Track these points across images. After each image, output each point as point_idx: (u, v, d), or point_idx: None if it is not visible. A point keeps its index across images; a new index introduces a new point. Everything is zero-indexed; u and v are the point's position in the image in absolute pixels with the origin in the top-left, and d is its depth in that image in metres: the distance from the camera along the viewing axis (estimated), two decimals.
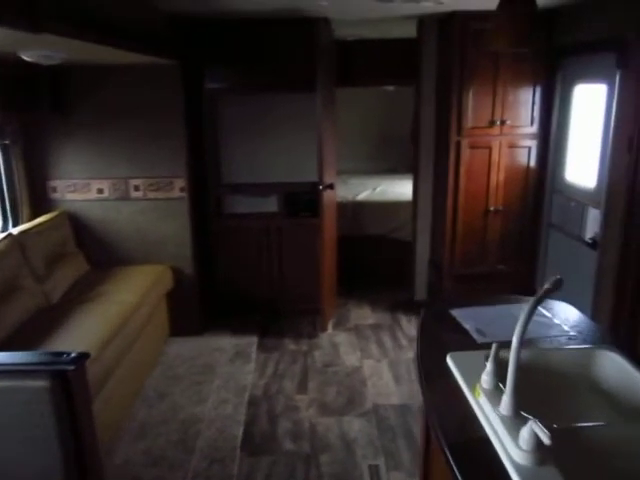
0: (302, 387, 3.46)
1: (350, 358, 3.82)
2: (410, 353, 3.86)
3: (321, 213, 3.88)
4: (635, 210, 2.92)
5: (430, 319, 1.93)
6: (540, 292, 1.29)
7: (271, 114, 4.15)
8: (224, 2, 3.14)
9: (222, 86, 4.03)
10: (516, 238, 4.19)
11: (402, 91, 6.22)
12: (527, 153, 4.04)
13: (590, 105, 3.53)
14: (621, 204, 3.03)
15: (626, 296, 3.03)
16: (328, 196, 4.00)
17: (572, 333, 1.84)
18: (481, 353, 1.64)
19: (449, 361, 1.61)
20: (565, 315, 2.05)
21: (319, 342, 4.07)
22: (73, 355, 1.90)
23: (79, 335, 2.80)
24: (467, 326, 1.86)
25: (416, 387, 3.41)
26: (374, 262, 5.16)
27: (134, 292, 3.40)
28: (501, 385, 1.37)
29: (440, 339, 1.79)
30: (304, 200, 4.25)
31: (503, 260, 4.23)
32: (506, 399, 1.28)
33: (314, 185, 4.07)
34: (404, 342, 4.04)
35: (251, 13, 3.57)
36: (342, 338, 4.13)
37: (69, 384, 1.86)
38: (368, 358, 3.82)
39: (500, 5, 2.03)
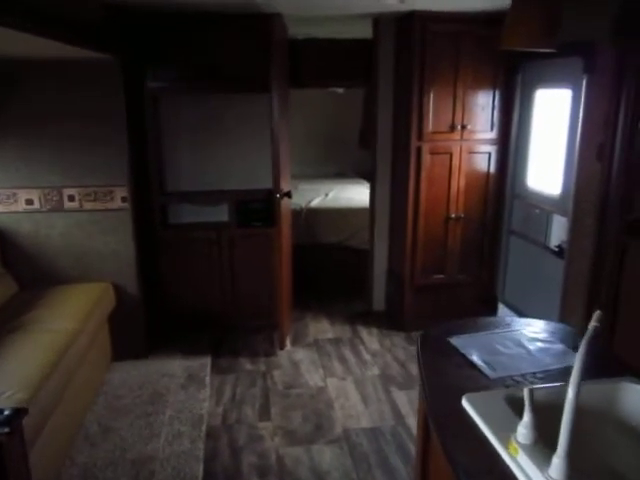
0: (264, 413, 3.19)
1: (313, 377, 3.58)
2: (375, 369, 3.67)
3: (278, 222, 3.61)
4: (607, 219, 2.87)
5: (430, 351, 1.73)
6: (590, 332, 1.11)
7: (221, 116, 3.85)
8: None
9: (166, 85, 3.68)
10: (477, 246, 4.11)
11: (351, 93, 6.06)
12: (487, 159, 3.96)
13: (553, 110, 3.47)
14: (592, 212, 2.97)
15: (600, 304, 2.97)
16: (284, 204, 3.74)
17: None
18: (500, 393, 1.46)
19: (466, 405, 1.41)
20: (563, 335, 1.90)
21: (278, 360, 3.80)
22: (6, 413, 1.55)
23: (8, 374, 2.40)
24: (474, 358, 1.67)
25: (385, 407, 3.23)
26: (329, 271, 4.96)
27: (72, 316, 3.00)
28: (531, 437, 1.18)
29: (447, 376, 1.59)
30: (257, 209, 3.97)
31: (464, 268, 4.14)
32: (558, 462, 1.08)
33: (268, 192, 3.81)
34: (367, 357, 3.85)
35: (198, 6, 3.26)
36: (302, 355, 3.88)
37: (1, 449, 1.52)
38: (332, 376, 3.59)
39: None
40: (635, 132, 2.63)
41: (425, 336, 1.81)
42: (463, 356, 1.69)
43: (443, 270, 4.12)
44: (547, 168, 3.56)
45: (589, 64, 2.97)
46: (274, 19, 3.39)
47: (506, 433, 1.26)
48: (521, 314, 3.80)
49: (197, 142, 3.85)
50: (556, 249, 3.43)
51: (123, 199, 3.45)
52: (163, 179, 3.88)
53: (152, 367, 3.67)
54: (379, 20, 3.97)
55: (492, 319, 2.07)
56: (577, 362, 1.08)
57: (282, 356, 3.86)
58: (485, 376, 1.58)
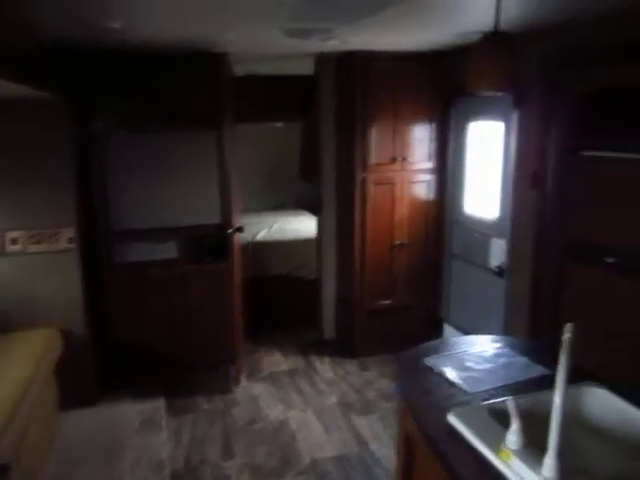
0: (228, 451, 3.14)
1: (273, 411, 3.56)
2: (332, 398, 3.71)
3: (231, 257, 3.62)
4: (544, 241, 3.11)
5: (408, 372, 1.81)
6: (565, 343, 1.23)
7: (170, 153, 3.83)
8: (114, 34, 2.83)
9: (113, 124, 3.62)
10: (422, 270, 4.29)
11: (290, 126, 6.20)
12: (427, 187, 4.18)
13: (488, 140, 3.74)
14: (530, 235, 3.21)
15: (540, 320, 3.19)
16: (235, 239, 3.76)
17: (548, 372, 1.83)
18: (482, 407, 1.56)
19: (453, 420, 1.49)
20: (523, 349, 2.04)
21: (235, 397, 3.75)
22: None
23: None
24: (450, 376, 1.76)
25: (347, 435, 3.27)
26: (280, 303, 4.97)
27: (20, 365, 2.85)
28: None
29: (429, 394, 1.67)
30: (208, 244, 3.95)
31: (411, 292, 4.30)
32: (550, 462, 1.18)
33: (219, 228, 3.82)
34: (323, 386, 3.88)
35: (145, 45, 3.28)
36: (259, 389, 3.85)
37: None
38: (291, 409, 3.59)
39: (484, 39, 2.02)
40: (566, 160, 2.90)
41: (401, 359, 1.89)
42: (440, 375, 1.78)
43: (391, 295, 4.26)
44: (484, 194, 3.81)
45: (519, 98, 3.25)
46: (222, 58, 3.47)
47: (495, 442, 1.35)
48: (467, 333, 3.98)
49: (145, 179, 3.80)
50: (496, 270, 3.65)
51: (70, 240, 3.35)
52: (110, 218, 3.79)
53: (104, 413, 3.52)
54: (320, 58, 4.14)
55: (459, 339, 2.18)
56: (560, 371, 1.19)
57: (239, 392, 3.82)
58: (464, 392, 1.67)
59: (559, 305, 3.01)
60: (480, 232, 3.83)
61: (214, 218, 3.89)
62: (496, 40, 1.89)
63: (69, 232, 3.34)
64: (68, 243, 3.35)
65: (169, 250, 3.95)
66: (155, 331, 3.95)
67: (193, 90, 3.57)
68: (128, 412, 3.55)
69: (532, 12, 2.50)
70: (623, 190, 2.60)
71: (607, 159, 2.66)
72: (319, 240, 4.55)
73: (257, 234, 5.25)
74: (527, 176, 3.21)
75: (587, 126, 2.75)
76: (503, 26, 2.16)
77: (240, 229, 3.82)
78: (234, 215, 3.67)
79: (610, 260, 2.69)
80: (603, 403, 1.60)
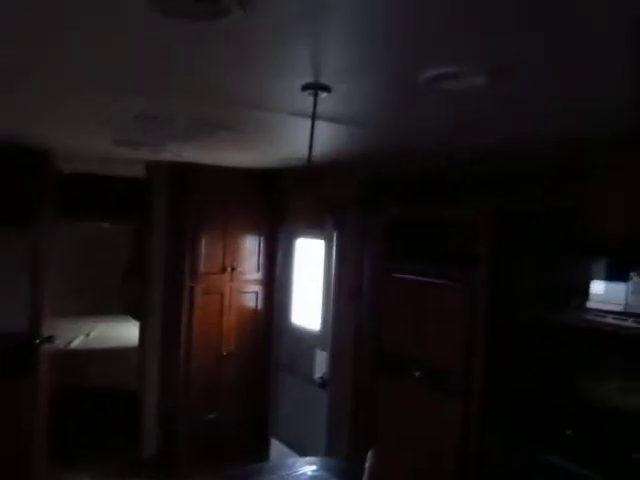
0: None
1: None
2: None
3: (38, 372, 3.23)
4: (361, 353, 3.30)
5: None
6: (367, 472, 1.29)
7: None
8: None
9: None
10: (250, 382, 4.24)
11: (118, 228, 5.98)
12: (255, 298, 4.26)
13: (312, 256, 3.98)
14: (349, 347, 3.39)
15: (358, 435, 3.29)
16: (45, 349, 3.39)
17: None
18: None
19: None
20: (338, 471, 2.08)
21: None
22: None
23: None
24: None
25: None
26: (94, 418, 4.46)
27: None
28: None
29: None
30: (8, 357, 3.49)
31: (239, 406, 4.19)
32: None
33: (24, 336, 3.41)
34: None
35: None
36: None
37: None
38: None
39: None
40: (378, 278, 3.18)
41: None
42: None
43: (217, 408, 4.10)
44: (309, 306, 3.98)
45: (338, 221, 3.56)
46: (46, 156, 3.32)
47: None
48: (294, 447, 3.94)
49: None
50: (320, 381, 3.74)
51: None
52: None
53: None
54: (153, 164, 4.15)
55: (279, 462, 2.15)
56: None
57: None
58: None
59: (375, 419, 3.15)
60: (306, 343, 3.95)
61: (19, 325, 3.48)
62: (307, 173, 2.03)
63: None
64: None
65: None
66: None
67: (7, 186, 3.31)
68: None
69: (344, 149, 2.84)
70: (425, 308, 2.90)
71: (412, 280, 2.98)
72: (142, 348, 4.29)
73: (71, 341, 4.80)
74: (345, 291, 3.44)
75: (394, 250, 3.08)
76: (323, 157, 2.41)
77: (51, 338, 3.46)
78: (44, 321, 3.33)
79: (417, 373, 2.93)
80: None
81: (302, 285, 4.12)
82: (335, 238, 3.58)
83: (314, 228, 3.89)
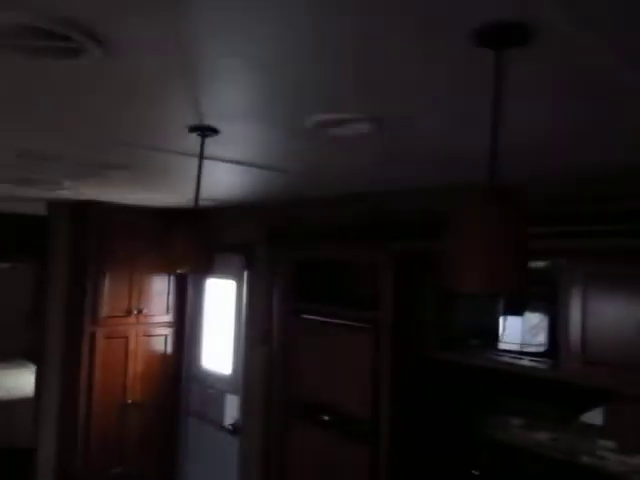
0: None
1: None
2: None
3: None
4: (272, 398, 3.19)
5: None
6: None
7: None
8: None
9: None
10: (156, 431, 3.99)
11: (20, 267, 5.60)
12: (164, 341, 4.06)
13: (223, 297, 3.86)
14: (260, 392, 3.27)
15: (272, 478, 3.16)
16: None
17: None
18: None
19: None
20: None
21: None
22: None
23: None
24: None
25: None
26: None
27: None
28: None
29: None
30: None
31: (145, 456, 3.93)
32: None
33: None
34: None
35: None
36: None
37: None
38: None
39: None
40: (288, 320, 3.11)
41: None
42: None
43: (122, 461, 3.82)
44: (219, 349, 3.84)
45: (249, 261, 3.48)
46: None
47: None
48: None
49: None
50: (231, 428, 3.58)
51: None
52: None
53: None
54: (54, 202, 3.92)
55: None
56: None
57: None
58: None
59: (285, 466, 3.04)
60: (216, 388, 3.79)
61: None
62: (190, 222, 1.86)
63: None
64: None
65: None
66: None
67: None
68: None
69: (250, 190, 2.80)
70: (334, 350, 2.85)
71: (321, 322, 2.93)
72: (38, 399, 3.95)
73: None
74: (257, 333, 3.34)
75: (303, 291, 3.03)
76: (231, 197, 2.33)
77: None
78: None
79: (326, 418, 2.86)
80: None
81: (213, 327, 3.98)
82: (245, 278, 3.50)
83: (224, 267, 3.78)
